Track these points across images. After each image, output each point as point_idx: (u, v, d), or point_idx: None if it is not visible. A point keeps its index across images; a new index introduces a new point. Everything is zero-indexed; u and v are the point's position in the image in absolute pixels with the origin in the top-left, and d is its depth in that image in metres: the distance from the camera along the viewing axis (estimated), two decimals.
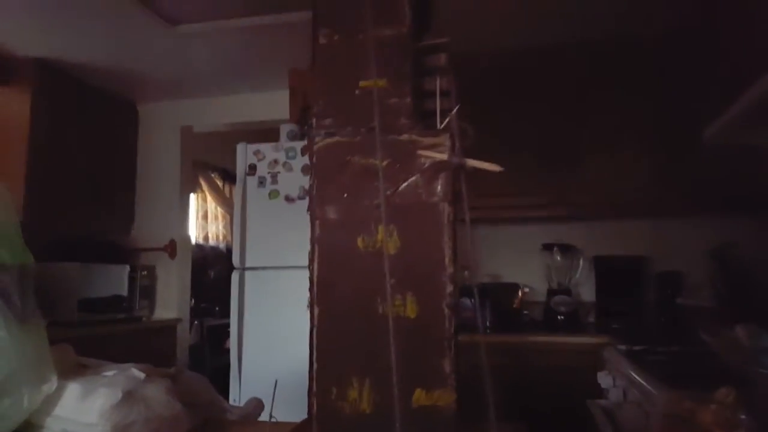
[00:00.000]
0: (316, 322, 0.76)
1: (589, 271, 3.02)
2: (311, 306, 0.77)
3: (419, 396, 0.74)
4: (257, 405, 1.35)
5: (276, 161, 2.82)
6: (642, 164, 2.74)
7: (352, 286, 0.77)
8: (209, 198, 4.96)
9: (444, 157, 0.76)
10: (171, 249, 3.68)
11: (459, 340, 0.75)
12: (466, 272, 3.43)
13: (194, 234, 4.70)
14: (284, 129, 2.95)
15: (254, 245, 2.77)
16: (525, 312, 3.02)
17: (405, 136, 0.77)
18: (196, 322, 4.18)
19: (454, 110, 0.78)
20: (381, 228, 0.77)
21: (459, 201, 0.78)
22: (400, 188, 0.77)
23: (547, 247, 3.04)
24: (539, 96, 2.86)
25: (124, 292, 3.37)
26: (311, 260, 0.78)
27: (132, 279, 3.40)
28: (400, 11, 0.80)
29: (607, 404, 2.11)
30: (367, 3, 0.76)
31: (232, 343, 2.70)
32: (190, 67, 3.26)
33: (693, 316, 2.73)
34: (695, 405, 0.86)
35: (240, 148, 2.86)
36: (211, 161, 4.85)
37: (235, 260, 2.77)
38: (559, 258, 3.03)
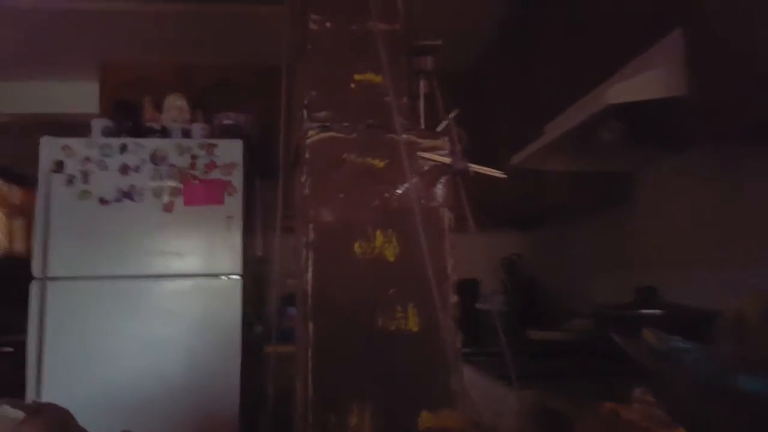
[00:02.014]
0: (311, 341, 0.67)
1: None
2: (305, 321, 0.68)
3: (426, 418, 0.69)
4: None
5: (88, 158, 2.45)
6: None
7: (349, 298, 0.70)
8: None
9: (447, 160, 0.73)
10: None
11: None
12: (289, 280, 3.36)
13: None
14: (97, 124, 2.58)
15: (60, 252, 2.37)
16: None
17: (404, 137, 0.73)
18: None
19: (452, 114, 0.76)
20: (378, 233, 0.71)
21: (447, 207, 0.76)
22: (399, 191, 0.72)
23: None
24: None
25: None
26: (304, 269, 0.69)
27: None
28: (393, 7, 0.75)
29: None
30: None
31: (30, 365, 2.26)
32: None
33: (488, 318, 3.05)
34: (617, 406, 0.93)
35: (45, 141, 2.42)
36: None
37: (36, 269, 2.33)
38: None
